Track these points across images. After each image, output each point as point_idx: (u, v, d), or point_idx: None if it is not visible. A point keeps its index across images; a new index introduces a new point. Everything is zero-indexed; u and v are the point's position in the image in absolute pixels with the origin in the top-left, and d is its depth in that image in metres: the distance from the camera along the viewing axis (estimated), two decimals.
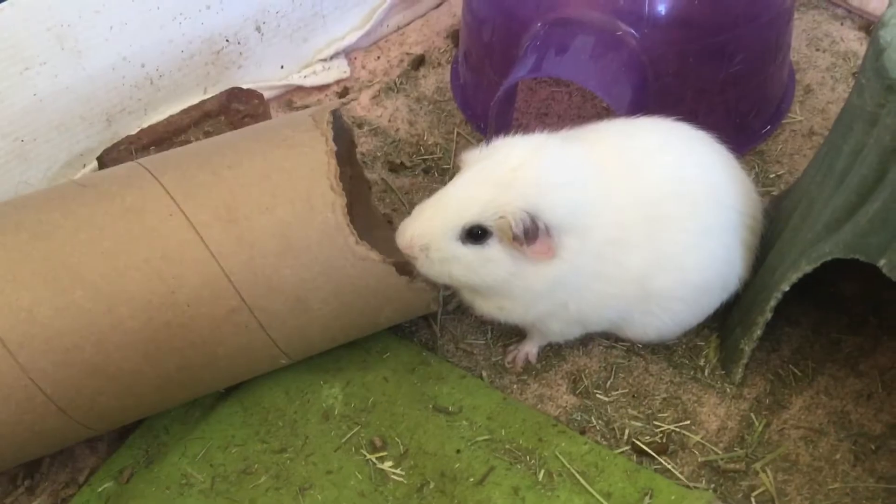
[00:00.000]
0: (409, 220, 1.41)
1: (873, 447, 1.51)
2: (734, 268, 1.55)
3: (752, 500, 1.46)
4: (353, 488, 1.47)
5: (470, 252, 1.38)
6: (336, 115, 1.52)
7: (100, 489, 1.51)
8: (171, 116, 1.91)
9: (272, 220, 1.39)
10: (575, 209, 1.38)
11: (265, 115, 1.92)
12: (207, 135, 1.87)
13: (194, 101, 1.96)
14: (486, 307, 1.49)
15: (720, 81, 1.81)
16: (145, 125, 1.91)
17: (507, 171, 1.36)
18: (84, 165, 1.90)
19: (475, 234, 1.36)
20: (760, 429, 1.54)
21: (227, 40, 2.01)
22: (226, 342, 1.41)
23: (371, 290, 1.46)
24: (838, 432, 1.53)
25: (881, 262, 1.28)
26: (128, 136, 1.88)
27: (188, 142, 1.85)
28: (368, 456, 1.50)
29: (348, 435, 1.53)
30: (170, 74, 1.94)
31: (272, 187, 1.41)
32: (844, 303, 1.66)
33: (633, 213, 1.42)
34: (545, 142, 1.42)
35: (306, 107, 2.11)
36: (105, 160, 1.84)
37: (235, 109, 1.92)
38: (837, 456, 1.50)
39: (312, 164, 1.42)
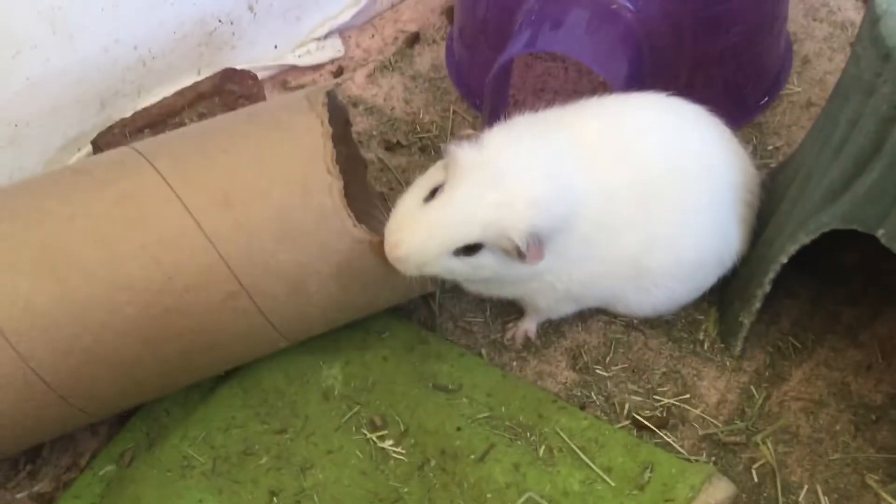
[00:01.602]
0: (400, 234, 1.35)
1: (874, 417, 1.51)
2: (730, 244, 1.54)
3: (753, 472, 1.47)
4: (354, 467, 1.48)
5: (461, 262, 1.37)
6: (331, 96, 1.51)
7: (101, 472, 1.52)
8: (165, 98, 1.90)
9: (269, 204, 1.39)
10: (569, 214, 1.37)
11: (260, 96, 1.91)
12: (202, 116, 1.86)
13: (188, 82, 1.95)
14: (473, 287, 1.51)
15: (717, 54, 1.79)
16: (139, 108, 1.89)
17: (505, 190, 1.32)
18: (79, 149, 1.89)
19: (468, 248, 1.35)
20: (760, 401, 1.54)
21: (220, 21, 1.99)
22: (224, 327, 1.40)
23: (369, 272, 1.45)
24: (838, 403, 1.53)
25: (879, 232, 1.28)
26: (122, 119, 1.87)
27: (182, 124, 1.84)
28: (369, 435, 1.51)
29: (348, 415, 1.54)
30: (163, 56, 1.93)
31: (268, 171, 1.40)
32: (843, 274, 1.66)
33: (624, 196, 1.42)
34: (537, 143, 1.38)
35: (301, 86, 2.10)
36: (99, 143, 1.83)
37: (230, 90, 1.91)
38: (838, 427, 1.51)
39: (308, 147, 1.42)
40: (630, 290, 1.53)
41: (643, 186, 1.43)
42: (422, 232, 1.34)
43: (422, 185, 1.41)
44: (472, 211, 1.32)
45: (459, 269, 1.38)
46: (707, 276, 1.57)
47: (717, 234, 1.52)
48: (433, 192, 1.37)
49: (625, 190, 1.42)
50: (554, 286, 1.47)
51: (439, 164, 1.43)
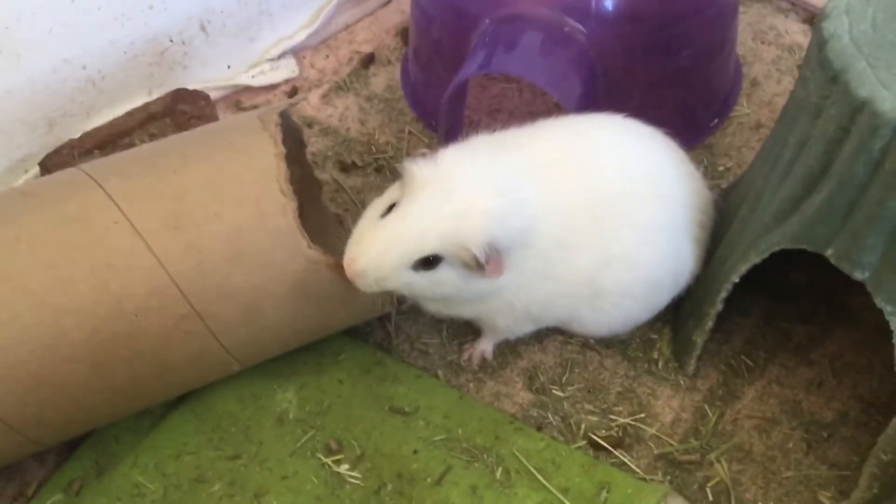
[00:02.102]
0: (358, 248, 1.35)
1: (825, 435, 1.53)
2: (685, 264, 1.56)
3: (708, 490, 1.48)
4: (310, 493, 1.46)
5: (420, 277, 1.36)
6: (284, 116, 1.50)
7: (49, 502, 1.47)
8: (115, 119, 1.87)
9: (221, 225, 1.37)
10: (526, 227, 1.37)
11: (212, 117, 1.89)
12: (153, 137, 1.84)
13: (139, 103, 1.92)
14: (432, 307, 1.50)
15: (668, 76, 1.82)
16: (88, 128, 1.87)
17: (461, 201, 1.32)
18: (26, 171, 1.85)
19: (427, 262, 1.35)
20: (714, 420, 1.55)
21: (172, 40, 1.97)
22: (176, 351, 1.38)
23: (324, 294, 1.44)
24: (790, 421, 1.55)
25: (828, 252, 1.30)
26: (70, 140, 1.83)
27: (133, 145, 1.82)
28: (324, 459, 1.49)
29: (303, 439, 1.52)
30: (112, 76, 1.91)
31: (220, 192, 1.39)
32: (795, 292, 1.68)
33: (581, 214, 1.42)
34: (493, 159, 1.39)
35: (255, 107, 2.08)
36: (48, 165, 1.80)
37: (181, 111, 1.89)
38: (790, 444, 1.52)
39: (261, 168, 1.40)
40: (587, 309, 1.53)
41: (599, 206, 1.44)
42: (379, 245, 1.33)
43: (379, 203, 1.41)
44: (428, 222, 1.32)
45: (419, 284, 1.37)
46: (662, 296, 1.58)
47: (672, 254, 1.53)
48: (390, 209, 1.37)
49: (581, 208, 1.43)
50: (513, 305, 1.47)
51: (396, 183, 1.42)
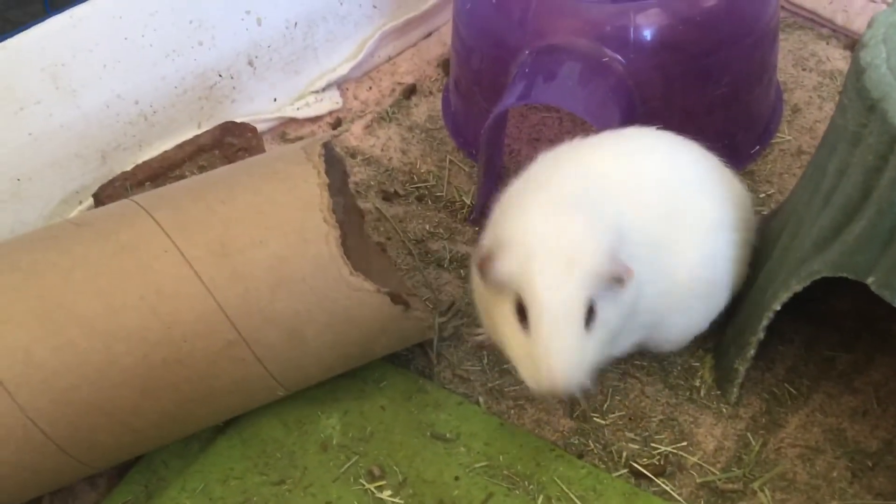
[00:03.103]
0: (542, 376, 1.30)
1: (870, 464, 1.51)
2: (740, 263, 1.57)
3: None
4: None
5: (593, 336, 1.33)
6: (327, 147, 1.54)
7: None
8: (166, 152, 1.93)
9: (266, 253, 1.40)
10: (621, 232, 1.38)
11: (259, 148, 1.94)
12: (202, 169, 1.89)
13: (188, 135, 1.98)
14: (616, 352, 1.50)
15: (707, 104, 1.82)
16: (140, 161, 1.92)
17: (568, 253, 1.30)
18: (80, 202, 1.91)
19: (587, 320, 1.32)
20: (757, 448, 1.54)
21: (220, 75, 2.03)
22: (223, 376, 1.41)
23: (366, 321, 1.47)
24: (835, 450, 1.53)
25: (869, 280, 1.29)
26: (123, 173, 1.89)
27: (183, 176, 1.87)
28: (367, 485, 1.51)
29: (347, 465, 1.54)
30: (163, 110, 1.96)
31: (265, 220, 1.42)
32: (837, 320, 1.67)
33: (654, 221, 1.45)
34: (562, 204, 1.38)
35: (300, 138, 2.13)
36: (101, 197, 1.85)
37: (229, 143, 1.94)
38: (834, 473, 1.51)
39: (305, 197, 1.44)
40: (676, 312, 1.53)
41: (664, 211, 1.47)
42: (553, 357, 1.30)
43: (509, 318, 1.36)
44: (562, 296, 1.29)
45: (597, 339, 1.34)
46: (724, 296, 1.58)
47: (728, 253, 1.54)
48: (520, 312, 1.33)
49: (652, 213, 1.45)
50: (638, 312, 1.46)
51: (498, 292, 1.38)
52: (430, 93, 2.22)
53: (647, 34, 1.71)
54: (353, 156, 2.07)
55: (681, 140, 1.58)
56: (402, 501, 1.49)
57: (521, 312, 1.32)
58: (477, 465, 1.52)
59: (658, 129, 1.57)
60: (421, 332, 1.57)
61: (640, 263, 1.37)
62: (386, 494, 1.50)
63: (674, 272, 1.48)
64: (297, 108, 2.16)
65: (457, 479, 1.50)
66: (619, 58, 1.71)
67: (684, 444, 1.56)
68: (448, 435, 1.57)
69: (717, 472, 1.52)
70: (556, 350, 1.29)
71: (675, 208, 1.48)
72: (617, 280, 1.33)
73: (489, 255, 1.34)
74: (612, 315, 1.36)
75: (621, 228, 1.38)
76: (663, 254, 1.46)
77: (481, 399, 1.64)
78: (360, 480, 1.52)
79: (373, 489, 1.50)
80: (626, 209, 1.42)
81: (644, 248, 1.42)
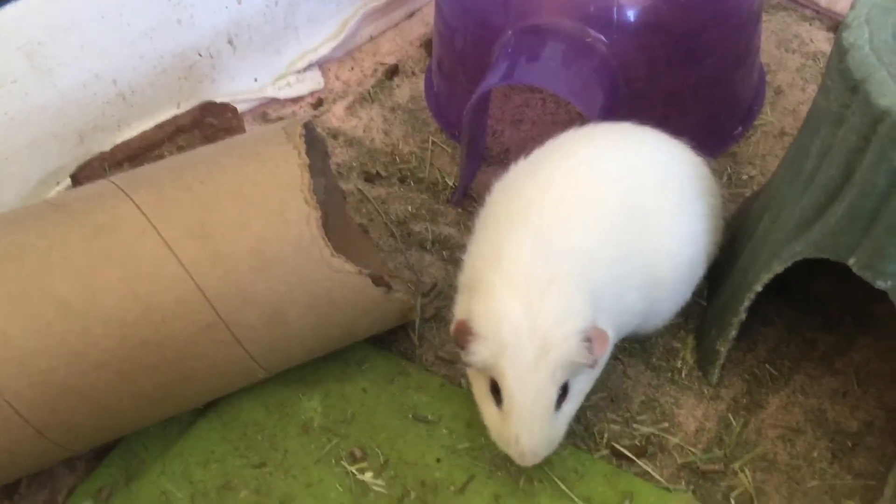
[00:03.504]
0: (512, 451, 1.37)
1: (850, 444, 1.52)
2: (713, 235, 1.58)
3: (732, 500, 1.47)
4: (334, 501, 1.47)
5: (564, 411, 1.39)
6: (308, 127, 1.52)
7: None
8: (145, 132, 1.91)
9: (246, 234, 1.39)
10: (594, 280, 1.38)
11: (239, 129, 1.92)
12: (181, 149, 1.87)
13: (167, 115, 1.96)
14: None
15: (691, 85, 1.82)
16: (118, 141, 1.90)
17: (542, 338, 1.32)
18: (57, 183, 1.89)
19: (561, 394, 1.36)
20: (738, 429, 1.55)
21: (200, 54, 2.00)
22: (202, 358, 1.40)
23: (348, 302, 1.46)
24: (815, 430, 1.54)
25: (851, 261, 1.29)
26: (101, 153, 1.87)
27: (162, 157, 1.85)
28: (349, 467, 1.50)
29: (328, 447, 1.53)
30: (142, 90, 1.94)
31: (245, 202, 1.41)
32: (818, 301, 1.68)
33: (619, 225, 1.44)
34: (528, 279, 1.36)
35: (281, 119, 2.11)
36: (79, 177, 1.83)
37: (209, 123, 1.92)
38: (815, 454, 1.51)
39: (285, 178, 1.42)
40: (662, 299, 1.55)
41: (628, 211, 1.46)
42: (526, 433, 1.36)
43: (484, 391, 1.40)
44: (532, 387, 1.33)
45: (569, 413, 1.40)
46: (699, 273, 1.59)
47: (701, 226, 1.54)
48: (494, 389, 1.37)
49: (617, 219, 1.44)
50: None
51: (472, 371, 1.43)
52: (413, 73, 2.20)
53: (631, 14, 1.70)
54: (334, 136, 2.06)
55: (620, 130, 1.56)
56: (383, 483, 1.49)
57: (496, 391, 1.36)
58: (459, 447, 1.52)
59: (596, 125, 1.57)
60: (403, 314, 1.57)
61: (616, 286, 1.41)
62: (367, 476, 1.49)
63: (654, 269, 1.48)
64: (279, 89, 2.15)
65: (438, 461, 1.50)
66: (603, 38, 1.70)
67: (665, 425, 1.57)
68: (430, 417, 1.57)
69: (699, 453, 1.53)
70: (527, 435, 1.35)
71: (637, 204, 1.46)
72: (589, 365, 1.35)
73: (464, 329, 1.36)
74: (585, 384, 1.42)
75: (593, 291, 1.37)
76: (638, 257, 1.46)
77: (463, 381, 1.64)
78: (342, 462, 1.51)
79: (354, 471, 1.50)
80: (591, 242, 1.40)
81: (618, 267, 1.42)
